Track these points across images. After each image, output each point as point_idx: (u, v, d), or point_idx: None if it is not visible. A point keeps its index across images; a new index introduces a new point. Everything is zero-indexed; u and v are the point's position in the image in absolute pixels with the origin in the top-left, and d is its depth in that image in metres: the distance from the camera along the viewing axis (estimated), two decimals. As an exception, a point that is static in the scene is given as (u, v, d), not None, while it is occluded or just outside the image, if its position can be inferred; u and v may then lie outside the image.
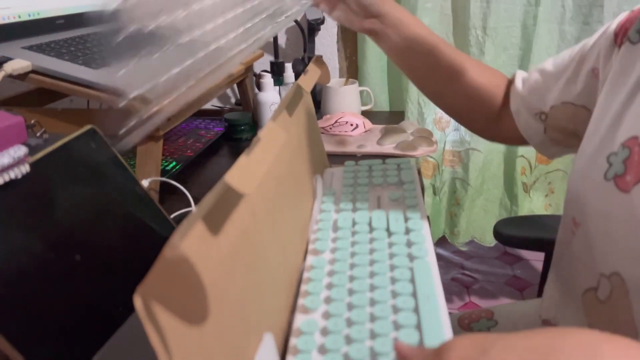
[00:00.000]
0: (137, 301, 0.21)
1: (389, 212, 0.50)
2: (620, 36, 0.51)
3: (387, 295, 0.38)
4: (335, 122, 0.98)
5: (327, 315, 0.38)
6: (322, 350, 0.34)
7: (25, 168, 0.40)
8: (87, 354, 0.38)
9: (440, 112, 1.30)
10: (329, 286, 0.41)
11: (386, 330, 0.35)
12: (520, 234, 0.88)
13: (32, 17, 0.74)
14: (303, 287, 0.41)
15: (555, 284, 0.57)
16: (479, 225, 1.47)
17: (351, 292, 0.39)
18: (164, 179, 0.70)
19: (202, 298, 0.26)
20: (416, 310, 0.36)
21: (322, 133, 0.99)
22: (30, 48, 0.68)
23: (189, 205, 0.67)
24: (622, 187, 0.43)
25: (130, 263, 0.46)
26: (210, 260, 0.28)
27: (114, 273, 0.44)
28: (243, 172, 0.31)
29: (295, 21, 1.21)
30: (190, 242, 0.25)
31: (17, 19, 0.71)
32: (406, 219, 0.49)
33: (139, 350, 0.40)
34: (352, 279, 0.41)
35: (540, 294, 0.88)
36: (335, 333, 0.35)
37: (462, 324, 0.73)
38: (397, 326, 0.35)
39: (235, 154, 0.96)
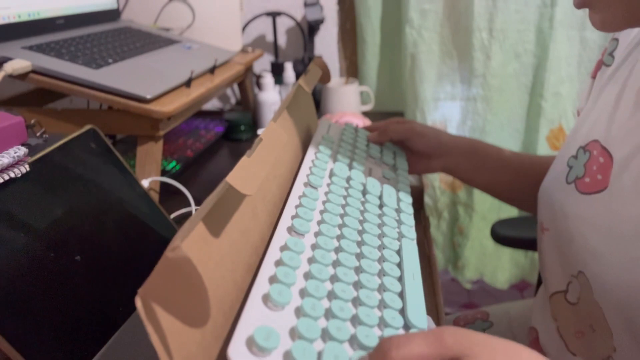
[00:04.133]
0: (139, 302, 0.21)
1: (383, 185, 0.50)
2: (595, 70, 0.53)
3: (374, 267, 0.37)
4: (335, 122, 0.98)
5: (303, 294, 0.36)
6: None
7: (25, 168, 0.40)
8: (87, 355, 0.38)
9: (438, 117, 1.23)
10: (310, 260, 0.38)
11: (371, 302, 0.33)
12: (517, 235, 0.88)
13: (32, 17, 0.74)
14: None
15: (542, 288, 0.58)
16: (489, 260, 1.27)
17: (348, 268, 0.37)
18: (164, 179, 0.70)
19: (203, 299, 0.26)
20: (401, 279, 0.37)
21: (322, 133, 0.99)
22: (30, 48, 0.68)
23: (189, 206, 0.67)
24: (581, 189, 0.46)
25: (130, 263, 0.46)
26: (212, 261, 0.28)
27: (114, 273, 0.44)
28: (245, 173, 0.31)
29: (295, 21, 1.21)
30: (192, 243, 0.25)
31: (17, 19, 0.71)
32: (398, 200, 0.49)
33: (139, 350, 0.40)
34: (336, 264, 0.37)
35: (537, 293, 0.88)
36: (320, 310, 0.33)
37: (458, 326, 0.73)
38: (382, 303, 0.34)
39: (235, 154, 0.96)
